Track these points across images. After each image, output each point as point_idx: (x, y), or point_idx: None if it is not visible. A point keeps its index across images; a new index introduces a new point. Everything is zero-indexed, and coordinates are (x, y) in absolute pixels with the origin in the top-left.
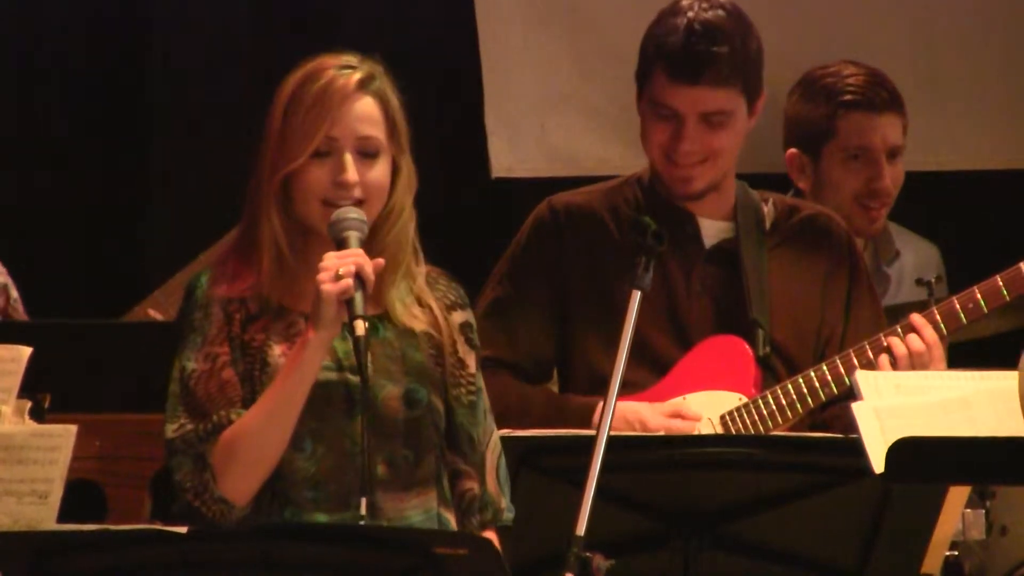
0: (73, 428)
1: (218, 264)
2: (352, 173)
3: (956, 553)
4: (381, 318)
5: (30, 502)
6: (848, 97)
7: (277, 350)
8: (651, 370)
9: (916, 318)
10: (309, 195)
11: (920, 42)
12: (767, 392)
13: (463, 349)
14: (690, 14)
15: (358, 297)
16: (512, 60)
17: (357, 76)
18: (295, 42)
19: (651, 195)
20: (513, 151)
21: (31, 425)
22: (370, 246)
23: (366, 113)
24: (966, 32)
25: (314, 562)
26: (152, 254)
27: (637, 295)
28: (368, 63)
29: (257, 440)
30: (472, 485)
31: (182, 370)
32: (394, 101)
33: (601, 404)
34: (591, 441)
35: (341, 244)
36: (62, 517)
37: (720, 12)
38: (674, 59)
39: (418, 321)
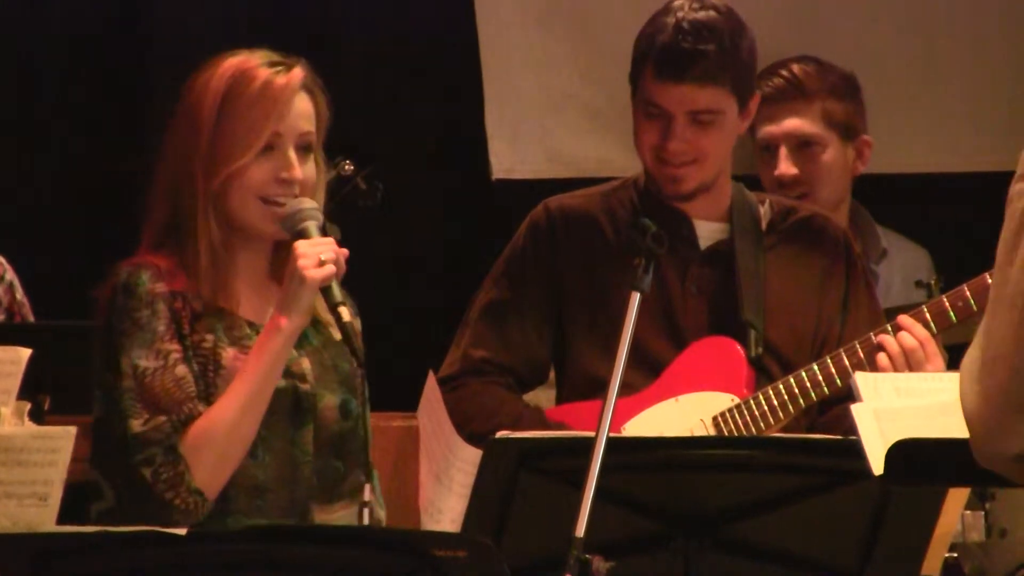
0: (73, 430)
1: (148, 263)
2: (298, 170)
3: (955, 555)
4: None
5: (30, 504)
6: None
7: (230, 352)
8: (646, 372)
9: (903, 319)
10: (248, 192)
11: (920, 42)
12: (759, 393)
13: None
14: (680, 13)
15: (336, 284)
16: (512, 61)
17: (299, 73)
18: (295, 43)
19: (647, 197)
20: (514, 152)
21: (31, 427)
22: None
23: (306, 110)
24: (966, 32)
25: (314, 563)
26: None
27: (636, 297)
28: (296, 60)
29: (231, 430)
30: (371, 498)
31: (134, 367)
32: (323, 99)
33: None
34: (591, 442)
35: (301, 235)
36: (62, 519)
37: (711, 12)
38: (660, 56)
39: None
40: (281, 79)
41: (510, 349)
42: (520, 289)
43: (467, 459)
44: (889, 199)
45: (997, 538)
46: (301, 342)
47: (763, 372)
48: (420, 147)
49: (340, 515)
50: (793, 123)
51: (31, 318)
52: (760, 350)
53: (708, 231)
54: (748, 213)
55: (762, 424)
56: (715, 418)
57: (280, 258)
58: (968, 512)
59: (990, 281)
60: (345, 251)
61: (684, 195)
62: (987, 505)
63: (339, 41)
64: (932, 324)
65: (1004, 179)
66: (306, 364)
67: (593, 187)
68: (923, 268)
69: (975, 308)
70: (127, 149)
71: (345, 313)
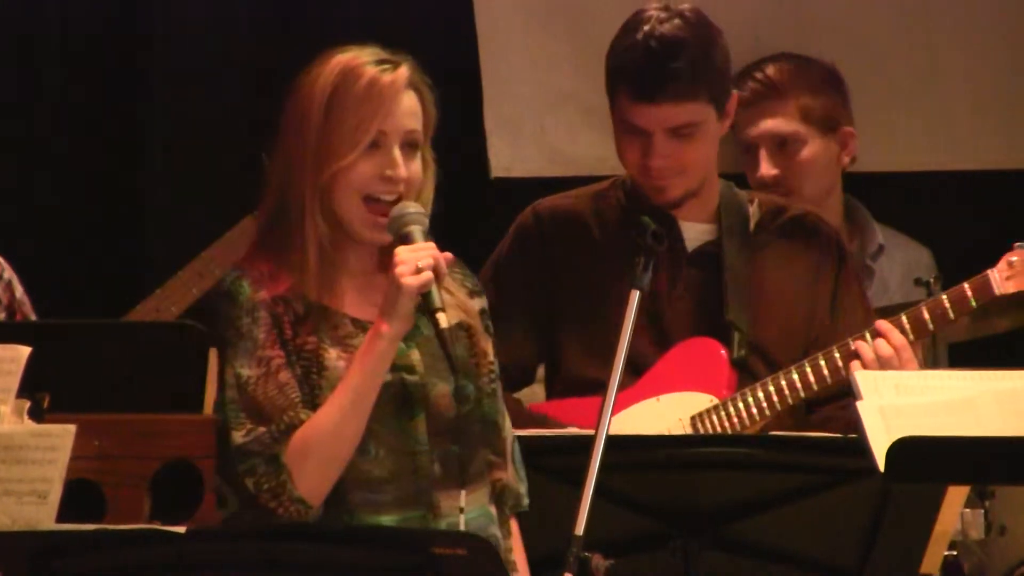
0: (72, 428)
1: (249, 267)
2: (402, 168)
3: (955, 553)
4: (418, 315)
5: (29, 502)
6: None
7: (333, 353)
8: (629, 372)
9: (881, 324)
10: (352, 190)
11: (919, 41)
12: (736, 394)
13: (483, 337)
14: (647, 27)
15: (435, 290)
16: (512, 60)
17: (405, 72)
18: (294, 43)
19: (634, 198)
20: (513, 151)
21: (30, 425)
22: None
23: (412, 108)
24: (966, 31)
25: (314, 562)
26: (152, 254)
27: (636, 295)
28: (404, 58)
29: (334, 437)
30: (502, 475)
31: (237, 377)
32: (429, 97)
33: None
34: (590, 441)
35: (405, 239)
36: (61, 517)
37: (678, 22)
38: (633, 79)
39: (450, 309)
40: (387, 77)
41: (499, 351)
42: (509, 292)
43: None
44: (889, 198)
45: (996, 535)
46: (412, 333)
47: (747, 373)
48: None
49: (469, 499)
50: (769, 124)
51: (32, 316)
52: (743, 351)
53: (695, 232)
54: (737, 212)
55: (739, 425)
56: (693, 418)
57: (388, 253)
58: (968, 510)
59: (968, 291)
60: (448, 255)
61: (670, 204)
62: (986, 503)
63: (339, 41)
64: (910, 332)
65: (1004, 178)
66: (415, 356)
67: (586, 187)
68: (923, 266)
69: (952, 317)
70: (127, 149)
71: (442, 319)
